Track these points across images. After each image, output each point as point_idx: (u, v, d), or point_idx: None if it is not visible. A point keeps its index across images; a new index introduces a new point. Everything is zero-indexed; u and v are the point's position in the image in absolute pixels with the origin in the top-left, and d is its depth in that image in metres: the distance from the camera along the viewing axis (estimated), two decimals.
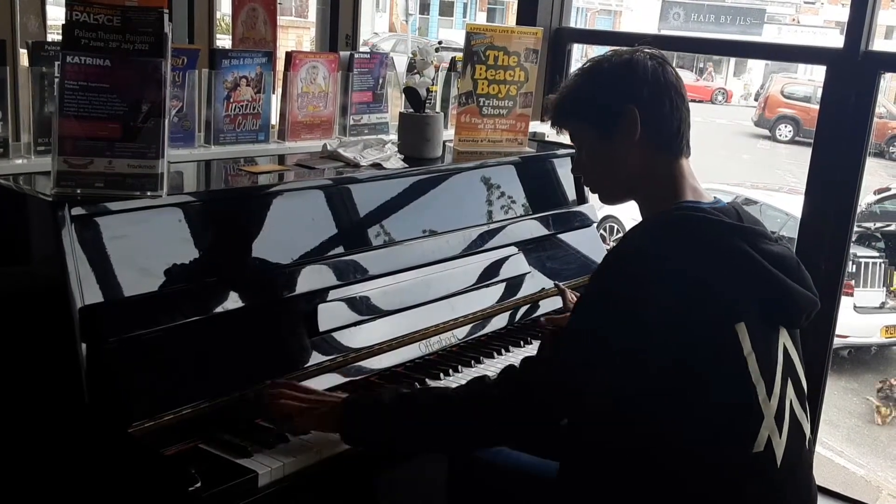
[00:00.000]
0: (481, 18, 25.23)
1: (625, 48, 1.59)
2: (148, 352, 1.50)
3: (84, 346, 1.45)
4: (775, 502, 1.46)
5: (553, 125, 1.65)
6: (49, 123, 1.78)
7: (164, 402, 1.49)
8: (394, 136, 2.42)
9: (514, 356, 2.00)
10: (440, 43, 2.25)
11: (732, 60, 18.66)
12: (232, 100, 2.15)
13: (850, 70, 2.44)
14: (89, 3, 1.60)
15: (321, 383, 1.71)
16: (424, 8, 24.66)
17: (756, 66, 19.62)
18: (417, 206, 2.07)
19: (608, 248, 1.52)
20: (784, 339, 1.48)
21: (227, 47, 2.56)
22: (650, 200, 1.57)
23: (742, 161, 13.47)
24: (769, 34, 19.84)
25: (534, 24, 2.91)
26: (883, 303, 7.45)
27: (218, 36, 4.41)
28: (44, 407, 1.53)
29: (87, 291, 1.47)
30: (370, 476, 1.66)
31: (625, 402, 1.41)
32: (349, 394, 1.63)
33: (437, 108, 2.53)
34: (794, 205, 6.94)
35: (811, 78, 16.04)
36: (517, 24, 2.96)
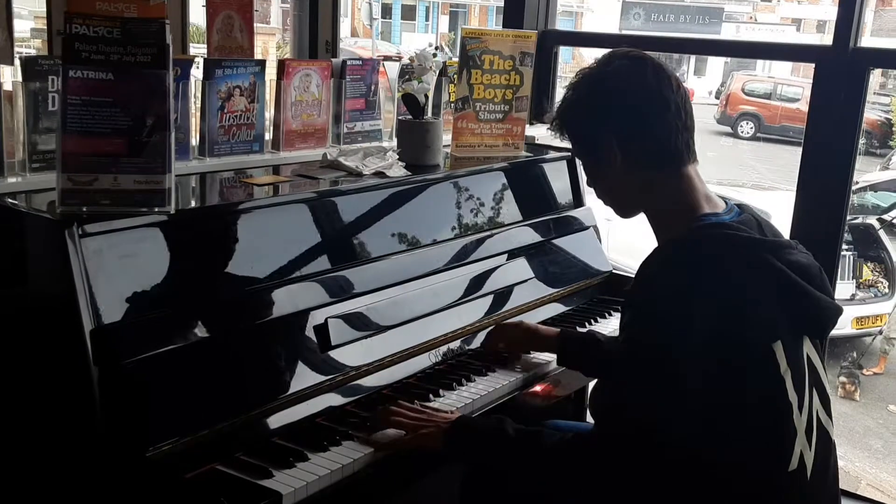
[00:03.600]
0: (444, 23, 25.26)
1: (611, 55, 1.53)
2: (162, 373, 1.46)
3: (97, 368, 1.40)
4: None
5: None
6: (44, 140, 1.73)
7: (181, 424, 1.44)
8: (387, 143, 2.39)
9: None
10: (437, 48, 2.22)
11: (692, 59, 18.85)
12: (226, 110, 2.11)
13: (840, 67, 2.45)
14: (88, 15, 1.55)
15: (332, 398, 1.69)
16: (386, 12, 24.62)
17: (716, 64, 19.85)
18: (425, 213, 2.05)
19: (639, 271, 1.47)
20: (807, 347, 1.45)
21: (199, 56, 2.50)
22: (661, 215, 1.52)
23: (706, 158, 13.57)
24: (728, 32, 20.11)
25: (521, 27, 2.89)
26: (853, 294, 7.57)
27: (192, 45, 4.34)
28: (57, 431, 1.48)
29: (98, 313, 1.42)
30: (390, 493, 1.62)
31: (664, 423, 1.37)
32: (455, 416, 1.64)
33: (429, 114, 2.51)
34: (758, 200, 7.03)
35: (771, 75, 16.28)
36: (504, 27, 2.95)
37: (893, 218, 8.34)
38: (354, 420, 1.65)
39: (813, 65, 2.56)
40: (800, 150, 2.57)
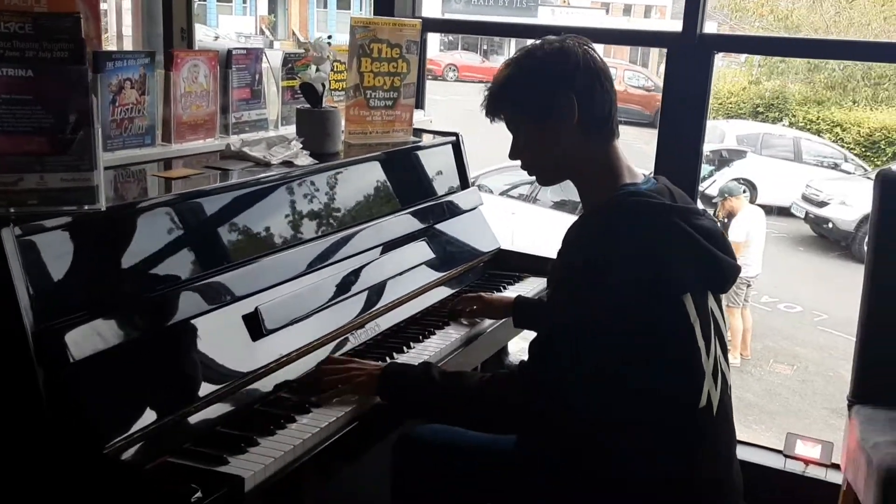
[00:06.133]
0: (262, 5, 24.64)
1: (553, 37, 1.68)
2: (107, 370, 1.45)
3: (42, 371, 1.38)
4: (713, 449, 1.65)
5: (488, 114, 1.71)
6: None
7: (132, 418, 1.44)
8: (274, 132, 2.41)
9: (415, 352, 2.05)
10: (329, 37, 2.27)
11: (513, 42, 19.40)
12: (117, 103, 2.06)
13: (689, 52, 2.70)
14: None
15: (266, 383, 1.73)
16: None
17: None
18: (336, 200, 2.10)
19: (565, 238, 1.62)
20: (711, 302, 1.65)
21: None
22: (590, 182, 1.68)
23: None
24: (544, 16, 20.89)
25: (391, 14, 2.97)
26: None
27: None
28: (9, 436, 1.44)
29: (39, 314, 1.39)
30: (339, 465, 1.68)
31: (591, 379, 1.53)
32: (385, 364, 1.80)
33: None
34: None
35: None
36: (375, 14, 3.01)
37: (706, 188, 9.07)
38: (290, 403, 1.70)
39: (625, 48, 2.80)
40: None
